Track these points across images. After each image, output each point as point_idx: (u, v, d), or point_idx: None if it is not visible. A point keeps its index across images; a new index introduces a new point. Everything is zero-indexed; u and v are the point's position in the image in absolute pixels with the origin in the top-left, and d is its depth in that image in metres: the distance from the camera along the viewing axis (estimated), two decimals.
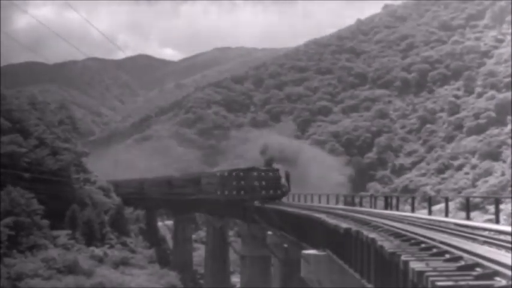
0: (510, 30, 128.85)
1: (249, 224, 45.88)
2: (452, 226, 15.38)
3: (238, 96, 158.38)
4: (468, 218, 20.98)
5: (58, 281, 43.47)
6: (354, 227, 17.60)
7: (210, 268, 63.17)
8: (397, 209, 28.35)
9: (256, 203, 46.60)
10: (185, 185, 66.90)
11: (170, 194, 71.83)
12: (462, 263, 9.21)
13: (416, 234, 13.34)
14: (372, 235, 14.39)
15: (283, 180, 50.54)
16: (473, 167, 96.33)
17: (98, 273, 47.09)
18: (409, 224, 16.96)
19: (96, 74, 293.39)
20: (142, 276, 52.20)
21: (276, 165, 54.45)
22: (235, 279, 63.97)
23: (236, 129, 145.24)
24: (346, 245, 17.83)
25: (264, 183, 49.74)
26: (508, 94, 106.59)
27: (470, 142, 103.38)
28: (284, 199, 51.12)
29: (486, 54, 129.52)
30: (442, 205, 31.11)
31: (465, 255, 9.66)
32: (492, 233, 13.12)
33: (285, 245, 37.54)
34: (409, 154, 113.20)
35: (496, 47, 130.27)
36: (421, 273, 8.79)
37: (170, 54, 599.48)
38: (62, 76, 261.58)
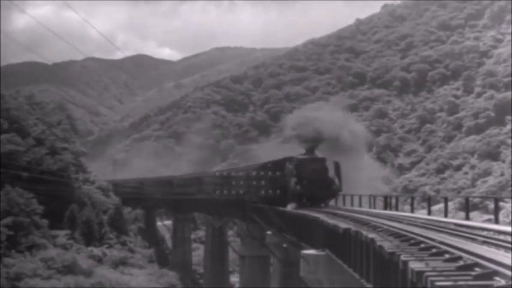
0: (509, 30, 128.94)
1: (248, 223, 45.75)
2: (452, 226, 15.37)
3: (237, 96, 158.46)
4: (467, 218, 20.97)
5: (57, 280, 43.48)
6: (353, 227, 17.59)
7: (209, 268, 63.18)
8: (397, 209, 28.32)
9: (291, 207, 34.67)
10: (213, 184, 61.28)
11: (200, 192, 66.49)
12: (461, 263, 9.20)
13: (415, 234, 13.34)
14: (371, 235, 14.38)
15: (331, 175, 36.43)
16: (473, 167, 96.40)
17: (97, 273, 47.10)
18: (408, 224, 16.95)
19: (95, 74, 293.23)
20: (141, 276, 52.22)
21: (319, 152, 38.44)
22: (234, 279, 63.97)
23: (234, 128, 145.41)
24: (345, 245, 17.82)
25: (304, 179, 35.72)
26: (507, 94, 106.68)
27: (469, 142, 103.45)
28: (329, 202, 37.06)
29: (485, 54, 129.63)
30: (441, 205, 31.05)
31: (464, 255, 9.65)
32: (491, 233, 13.11)
33: (284, 245, 37.45)
34: (409, 154, 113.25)
35: (495, 47, 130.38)
36: (420, 273, 8.78)
37: (169, 54, 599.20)
38: (60, 76, 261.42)
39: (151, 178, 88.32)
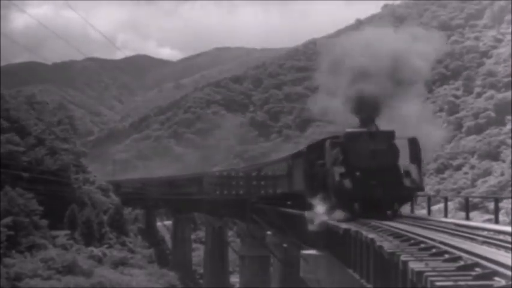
0: (509, 30, 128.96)
1: (248, 223, 45.75)
2: (452, 226, 15.37)
3: (237, 96, 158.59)
4: (467, 218, 20.97)
5: (57, 281, 43.52)
6: (353, 227, 17.57)
7: (209, 268, 63.28)
8: None
9: (336, 217, 20.65)
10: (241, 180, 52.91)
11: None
12: (461, 263, 9.20)
13: (415, 234, 13.33)
14: (371, 235, 14.37)
15: (403, 162, 21.64)
16: (473, 167, 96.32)
17: (97, 273, 47.13)
18: (408, 224, 16.94)
19: (95, 74, 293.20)
20: (141, 276, 52.24)
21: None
22: (234, 279, 64.04)
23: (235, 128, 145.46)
24: (345, 245, 17.81)
25: (357, 169, 21.08)
26: (507, 94, 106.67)
27: (469, 142, 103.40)
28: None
29: (485, 54, 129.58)
30: (441, 205, 31.06)
31: (464, 255, 9.64)
32: (491, 233, 13.11)
33: (284, 245, 37.47)
34: None
35: (495, 47, 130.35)
36: (420, 273, 8.78)
37: (169, 54, 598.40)
38: (61, 76, 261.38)
39: (182, 175, 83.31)
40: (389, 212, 20.24)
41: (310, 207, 23.92)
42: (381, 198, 20.44)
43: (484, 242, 11.36)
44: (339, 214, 20.76)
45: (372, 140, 21.24)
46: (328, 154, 22.03)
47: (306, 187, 25.30)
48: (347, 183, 20.61)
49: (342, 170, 20.96)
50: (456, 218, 23.21)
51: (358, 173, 20.79)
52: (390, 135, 21.37)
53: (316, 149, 24.20)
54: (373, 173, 20.71)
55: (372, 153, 21.03)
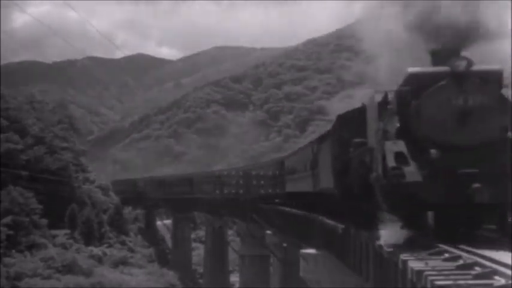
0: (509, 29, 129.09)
1: (248, 223, 45.76)
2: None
3: (237, 95, 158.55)
4: None
5: (57, 280, 43.57)
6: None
7: (209, 267, 63.26)
8: None
9: (390, 236, 11.42)
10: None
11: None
12: (461, 262, 9.18)
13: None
14: None
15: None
16: None
17: (97, 272, 47.18)
18: None
19: (95, 73, 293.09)
20: (141, 276, 52.30)
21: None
22: (234, 278, 64.02)
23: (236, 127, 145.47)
24: (344, 245, 17.82)
25: (430, 143, 10.44)
26: (507, 94, 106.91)
27: None
28: None
29: None
30: None
31: (464, 254, 9.63)
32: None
33: (284, 245, 37.51)
34: None
35: None
36: (420, 273, 8.77)
37: (169, 53, 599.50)
38: (60, 75, 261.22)
39: (201, 173, 78.01)
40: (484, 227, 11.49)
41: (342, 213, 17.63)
42: (480, 200, 10.47)
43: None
44: (395, 232, 11.55)
45: (459, 87, 10.99)
46: (371, 121, 12.74)
47: (336, 183, 16.86)
48: (411, 172, 10.54)
49: (401, 147, 10.71)
50: None
51: (434, 152, 10.67)
52: (496, 78, 12.06)
53: (353, 119, 14.86)
54: (463, 153, 10.74)
55: (461, 114, 10.90)
